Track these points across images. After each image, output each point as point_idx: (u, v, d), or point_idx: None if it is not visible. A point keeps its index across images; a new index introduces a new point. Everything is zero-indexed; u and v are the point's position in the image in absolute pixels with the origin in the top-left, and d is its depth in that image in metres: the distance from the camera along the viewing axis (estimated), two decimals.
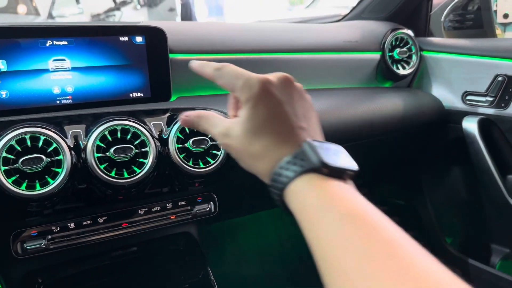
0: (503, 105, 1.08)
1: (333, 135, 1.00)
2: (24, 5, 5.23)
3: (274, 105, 0.45)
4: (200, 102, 0.91)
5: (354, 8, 1.38)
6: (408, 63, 1.20)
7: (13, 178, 0.68)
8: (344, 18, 1.40)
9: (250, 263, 1.62)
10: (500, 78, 1.07)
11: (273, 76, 0.47)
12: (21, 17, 4.96)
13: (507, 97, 1.07)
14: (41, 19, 5.06)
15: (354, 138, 1.04)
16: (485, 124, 1.10)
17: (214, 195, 0.92)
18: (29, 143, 0.69)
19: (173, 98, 0.90)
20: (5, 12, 5.00)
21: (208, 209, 0.90)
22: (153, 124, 0.81)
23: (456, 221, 1.32)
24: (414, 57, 1.20)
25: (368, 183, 1.47)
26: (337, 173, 0.40)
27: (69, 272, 0.90)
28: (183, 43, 0.93)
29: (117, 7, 7.95)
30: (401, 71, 1.18)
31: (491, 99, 1.09)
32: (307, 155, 0.41)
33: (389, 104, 1.10)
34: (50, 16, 5.58)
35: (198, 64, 0.53)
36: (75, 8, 6.85)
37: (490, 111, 1.10)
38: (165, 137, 0.80)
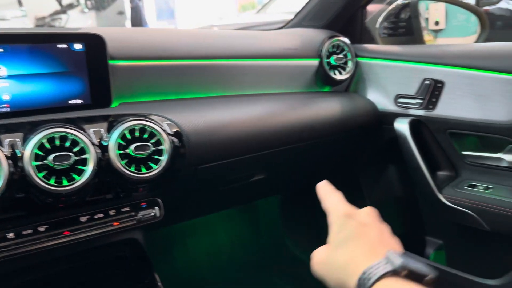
0: (431, 106, 1.17)
1: (275, 138, 1.05)
2: None
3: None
4: (143, 107, 0.92)
5: (295, 16, 1.44)
6: (344, 69, 1.27)
7: None
8: (286, 25, 1.45)
9: (201, 266, 1.63)
10: (427, 82, 1.16)
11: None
12: None
13: (434, 99, 1.16)
14: None
15: (295, 141, 1.09)
16: (415, 124, 1.18)
17: (159, 200, 0.93)
18: None
19: (114, 104, 0.91)
20: None
21: (152, 214, 0.91)
22: (93, 130, 0.81)
23: (394, 217, 1.41)
24: (350, 63, 1.27)
25: (311, 185, 1.53)
26: (416, 277, 0.47)
27: (13, 283, 0.88)
28: (124, 50, 0.94)
29: (63, 10, 7.68)
30: (338, 77, 1.25)
31: (420, 101, 1.18)
32: (391, 258, 0.47)
33: (327, 107, 1.16)
34: None
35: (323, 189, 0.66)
36: (17, 11, 6.55)
37: (420, 112, 1.19)
38: (105, 144, 0.80)
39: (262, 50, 1.16)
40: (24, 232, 0.78)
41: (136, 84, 0.96)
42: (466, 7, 1.38)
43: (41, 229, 0.80)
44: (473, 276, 1.13)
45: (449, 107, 1.14)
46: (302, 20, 1.39)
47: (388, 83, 1.26)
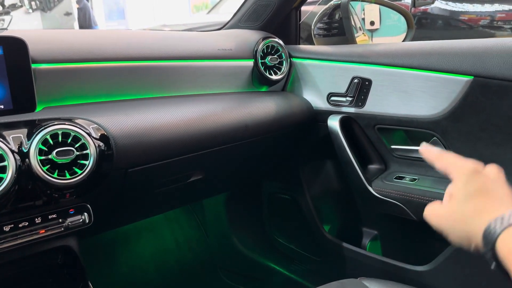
0: (360, 104, 1.22)
1: (211, 139, 1.06)
2: None
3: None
4: (67, 111, 0.90)
5: (232, 17, 1.46)
6: (280, 69, 1.30)
7: None
8: (224, 26, 1.47)
9: (147, 270, 1.62)
10: (356, 80, 1.21)
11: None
12: None
13: (362, 97, 1.21)
14: None
15: (230, 141, 1.10)
16: (346, 121, 1.23)
17: (88, 206, 0.91)
18: None
19: (39, 109, 0.88)
20: None
21: (81, 220, 0.89)
22: (12, 137, 0.79)
23: (332, 210, 1.46)
24: (284, 64, 1.30)
25: (255, 180, 1.56)
26: None
27: None
28: (47, 52, 0.92)
29: (6, 11, 7.32)
30: (273, 77, 1.28)
31: (350, 99, 1.23)
32: None
33: (262, 107, 1.18)
34: None
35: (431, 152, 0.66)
36: None
37: (351, 109, 1.24)
38: (25, 150, 0.78)
39: (198, 51, 1.17)
40: None
41: (62, 87, 0.94)
42: (392, 7, 1.45)
43: None
44: (405, 264, 1.19)
45: (376, 104, 1.19)
46: (238, 21, 1.41)
47: (321, 82, 1.30)
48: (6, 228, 0.81)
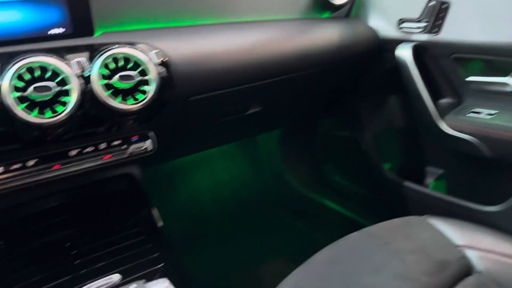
0: (435, 30, 1.10)
1: (270, 67, 1.00)
2: None
3: None
4: (127, 36, 0.87)
5: None
6: None
7: None
8: None
9: (202, 202, 1.65)
10: (432, 3, 1.09)
11: None
12: None
13: (439, 22, 1.09)
14: None
15: (289, 71, 1.04)
16: (418, 50, 1.12)
17: (152, 133, 0.91)
18: None
19: (98, 33, 0.86)
20: None
21: (144, 147, 0.89)
22: (75, 60, 0.77)
23: (394, 147, 1.39)
24: None
25: (310, 116, 1.50)
26: None
27: (7, 219, 0.89)
28: None
29: None
30: (337, 1, 1.17)
31: (424, 24, 1.11)
32: None
33: (324, 35, 1.09)
34: None
35: None
36: None
37: (424, 37, 1.12)
38: (88, 74, 0.76)
39: None
40: (12, 167, 0.77)
41: (120, 11, 0.90)
42: None
43: (31, 163, 0.78)
44: (473, 204, 1.12)
45: (454, 30, 1.07)
46: None
47: (390, 7, 1.18)
48: (73, 153, 0.82)
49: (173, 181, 1.63)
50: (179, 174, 1.64)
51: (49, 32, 0.80)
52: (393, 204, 1.33)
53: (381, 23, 1.20)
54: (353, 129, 1.37)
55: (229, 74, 0.94)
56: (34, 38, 0.79)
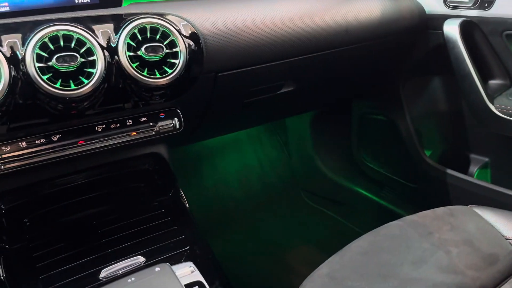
0: (486, 5, 1.00)
1: (306, 42, 0.94)
2: None
3: None
4: (155, 7, 0.83)
5: None
6: None
7: None
8: None
9: (230, 184, 1.62)
10: None
11: None
12: None
13: None
14: None
15: (328, 46, 0.97)
16: (467, 27, 1.03)
17: (179, 111, 0.86)
18: None
19: (125, 3, 0.81)
20: None
21: (172, 125, 0.85)
22: (100, 31, 0.73)
23: (435, 133, 1.30)
24: None
25: (345, 98, 1.43)
26: None
27: (32, 195, 0.87)
28: None
29: None
30: None
31: None
32: None
33: (365, 8, 1.02)
34: None
35: None
36: None
37: (473, 12, 1.03)
38: (114, 45, 0.72)
39: None
40: (37, 141, 0.74)
41: None
42: None
43: (54, 138, 0.76)
44: None
45: (507, 5, 0.97)
46: None
47: None
48: (98, 128, 0.79)
49: (200, 163, 1.60)
50: (206, 156, 1.61)
51: (75, 1, 0.77)
52: (434, 193, 1.25)
53: None
54: (392, 112, 1.29)
55: (262, 49, 0.88)
56: (60, 7, 0.75)
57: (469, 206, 0.89)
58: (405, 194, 1.37)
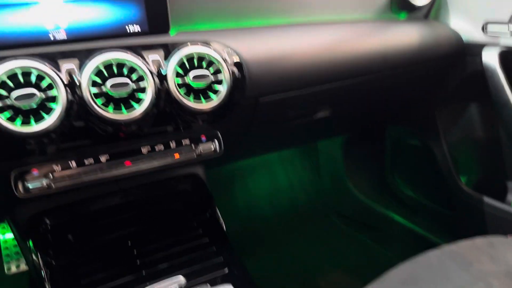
0: None
1: (344, 68, 0.95)
2: None
3: None
4: (202, 35, 0.86)
5: None
6: None
7: (8, 115, 0.65)
8: None
9: (261, 205, 1.62)
10: None
11: None
12: None
13: None
14: None
15: (365, 72, 0.98)
16: (507, 55, 1.03)
17: (219, 134, 0.89)
18: (21, 79, 0.66)
19: (172, 32, 0.85)
20: None
21: (212, 148, 0.87)
22: (151, 58, 0.76)
23: (472, 159, 1.28)
24: None
25: (381, 123, 1.43)
26: None
27: (76, 213, 0.90)
28: None
29: None
30: (417, 1, 1.10)
31: None
32: None
33: (403, 36, 1.03)
34: None
35: None
36: None
37: None
38: (163, 72, 0.76)
39: None
40: (86, 162, 0.78)
41: (194, 10, 0.90)
42: None
43: (103, 158, 0.79)
44: None
45: None
46: None
47: (476, 8, 1.09)
48: (144, 150, 0.82)
49: (232, 184, 1.62)
50: (238, 177, 1.63)
51: (126, 29, 0.81)
52: (470, 221, 1.22)
53: (464, 25, 1.11)
54: (427, 138, 1.28)
55: (301, 75, 0.90)
56: (111, 35, 0.79)
57: (508, 236, 0.87)
58: (439, 221, 1.35)
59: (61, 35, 0.76)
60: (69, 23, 0.76)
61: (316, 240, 1.60)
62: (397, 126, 1.39)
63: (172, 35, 0.85)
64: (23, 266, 1.24)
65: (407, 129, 1.36)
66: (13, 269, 1.24)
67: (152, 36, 0.82)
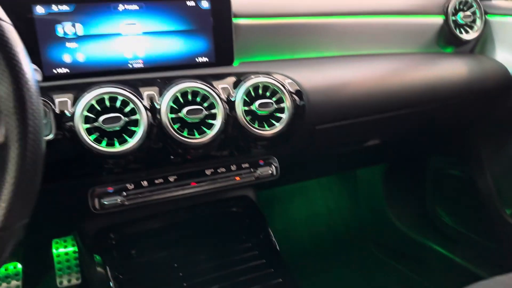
0: None
1: (395, 99, 0.99)
2: None
3: None
4: (263, 66, 0.92)
5: None
6: (471, 27, 1.15)
7: (94, 136, 0.71)
8: None
9: (299, 231, 1.64)
10: None
11: None
12: None
13: None
14: None
15: (416, 103, 1.02)
16: None
17: (275, 159, 0.93)
18: (108, 103, 0.73)
19: (235, 63, 0.92)
20: None
21: (270, 172, 0.92)
22: (220, 87, 0.83)
23: None
24: (478, 21, 1.15)
25: (423, 153, 1.45)
26: None
27: (138, 229, 0.95)
28: (246, 7, 0.94)
29: None
30: (465, 36, 1.14)
31: None
32: None
33: (452, 69, 1.07)
34: None
35: None
36: None
37: None
38: (232, 100, 0.81)
39: (381, 6, 1.10)
40: (156, 181, 0.83)
41: (255, 42, 0.96)
42: None
43: (171, 179, 0.84)
44: None
45: None
46: None
47: None
48: (208, 172, 0.87)
49: (271, 209, 1.65)
50: (276, 201, 1.66)
51: (195, 60, 0.88)
52: None
53: (510, 59, 1.14)
54: (471, 168, 1.29)
55: (357, 104, 0.95)
56: (182, 65, 0.86)
57: None
58: (483, 252, 1.34)
59: (139, 64, 0.83)
60: (146, 54, 0.83)
61: (353, 269, 1.60)
62: (438, 155, 1.41)
63: (236, 65, 0.91)
64: (74, 280, 1.29)
65: (449, 159, 1.37)
66: (65, 283, 1.29)
67: (219, 67, 0.88)
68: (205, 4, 0.86)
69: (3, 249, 0.45)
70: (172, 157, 0.82)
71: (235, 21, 0.91)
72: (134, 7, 0.81)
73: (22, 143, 0.45)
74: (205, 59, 0.88)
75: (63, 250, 1.23)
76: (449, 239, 1.45)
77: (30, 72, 0.49)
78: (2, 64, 0.45)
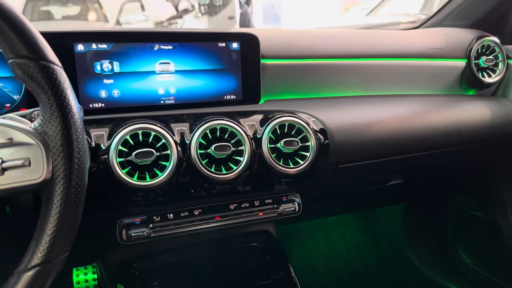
0: None
1: (420, 141, 1.00)
2: (94, 12, 5.63)
3: None
4: (288, 105, 0.95)
5: (434, 15, 1.36)
6: (494, 71, 1.17)
7: (126, 169, 0.74)
8: (423, 25, 1.38)
9: (316, 268, 1.63)
10: None
11: None
12: (91, 24, 5.35)
13: None
14: (110, 25, 5.43)
15: (440, 146, 1.03)
16: None
17: (298, 195, 0.95)
18: (141, 138, 0.76)
19: (261, 101, 0.94)
20: (77, 19, 5.41)
21: (293, 208, 0.93)
22: (247, 124, 0.85)
23: None
24: (500, 65, 1.17)
25: (444, 193, 1.44)
26: None
27: (160, 261, 0.96)
28: (273, 49, 0.97)
29: (179, 15, 8.23)
30: (487, 79, 1.15)
31: None
32: None
33: (475, 112, 1.08)
34: (118, 22, 5.92)
35: None
36: (140, 15, 7.17)
37: None
38: (258, 137, 0.84)
39: (403, 49, 1.12)
40: (182, 214, 0.85)
41: (281, 82, 0.99)
42: None
43: (196, 212, 0.86)
44: None
45: None
46: (443, 19, 1.31)
47: None
48: (231, 207, 0.89)
49: (289, 243, 1.64)
50: (294, 236, 1.65)
51: (223, 98, 0.91)
52: None
53: None
54: (493, 210, 1.28)
55: (380, 145, 0.96)
56: (211, 102, 0.90)
57: None
58: None
59: (170, 101, 0.87)
60: (177, 91, 0.87)
61: None
62: (459, 195, 1.40)
63: (262, 103, 0.94)
64: None
65: (470, 200, 1.36)
66: None
67: (245, 105, 0.91)
68: (235, 45, 0.90)
69: (45, 283, 0.47)
70: (198, 190, 0.84)
71: (263, 61, 0.94)
72: (169, 47, 0.85)
73: (68, 180, 0.48)
74: (233, 97, 0.91)
75: (83, 277, 1.25)
76: (470, 281, 1.42)
77: (77, 112, 0.52)
78: (54, 105, 0.49)
